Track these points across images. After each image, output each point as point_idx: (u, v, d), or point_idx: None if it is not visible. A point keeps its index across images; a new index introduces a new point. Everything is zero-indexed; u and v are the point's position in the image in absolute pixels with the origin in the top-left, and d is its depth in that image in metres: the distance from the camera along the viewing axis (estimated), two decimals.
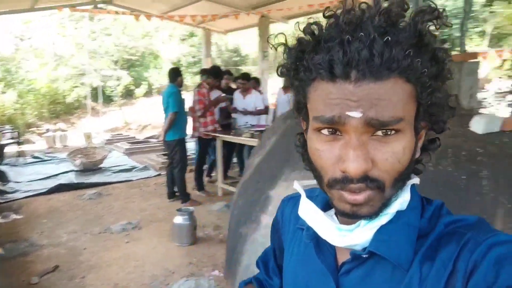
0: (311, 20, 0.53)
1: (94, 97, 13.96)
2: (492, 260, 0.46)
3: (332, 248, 0.62)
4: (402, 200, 0.54)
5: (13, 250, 3.92)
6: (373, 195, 0.50)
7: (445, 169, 2.29)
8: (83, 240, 4.15)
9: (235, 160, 6.46)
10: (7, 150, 8.54)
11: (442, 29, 0.51)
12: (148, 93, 17.15)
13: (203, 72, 5.52)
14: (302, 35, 0.54)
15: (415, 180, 0.57)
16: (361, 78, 0.47)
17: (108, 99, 16.08)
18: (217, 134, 5.28)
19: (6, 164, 7.97)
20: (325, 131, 0.51)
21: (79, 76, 15.60)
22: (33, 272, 3.46)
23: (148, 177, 6.69)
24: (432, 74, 0.49)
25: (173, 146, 4.93)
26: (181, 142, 5.01)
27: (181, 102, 5.01)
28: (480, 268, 0.46)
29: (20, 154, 8.54)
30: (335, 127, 0.50)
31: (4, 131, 9.12)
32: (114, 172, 7.06)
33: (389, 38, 0.46)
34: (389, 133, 0.49)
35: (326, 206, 0.63)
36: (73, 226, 4.54)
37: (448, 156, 2.37)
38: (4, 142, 8.51)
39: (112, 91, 15.70)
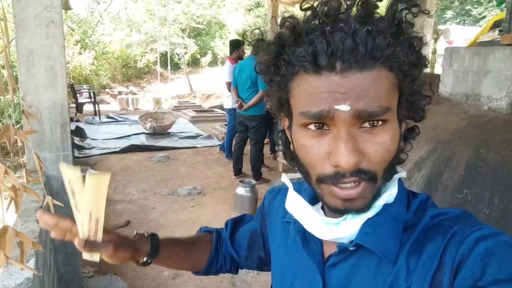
0: (287, 15, 0.52)
1: (163, 64, 14.45)
2: (479, 254, 0.46)
3: (319, 241, 0.62)
4: (390, 194, 0.54)
5: None
6: (366, 187, 0.50)
7: (507, 160, 2.18)
8: (152, 199, 4.41)
9: None
10: (85, 108, 9.21)
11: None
12: (213, 63, 17.41)
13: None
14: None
15: (402, 174, 0.57)
16: (347, 69, 0.46)
17: (175, 66, 16.59)
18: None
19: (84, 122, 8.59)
20: (312, 126, 0.50)
21: (150, 42, 16.19)
22: (107, 225, 3.73)
23: (212, 146, 6.84)
24: (412, 62, 0.50)
25: (258, 121, 4.81)
26: (265, 118, 4.92)
27: None
28: (467, 262, 0.46)
29: (96, 113, 9.13)
30: (323, 121, 0.49)
31: (82, 90, 9.79)
32: (181, 138, 7.32)
33: (370, 28, 0.46)
34: (376, 124, 0.48)
35: (313, 199, 0.63)
36: (143, 186, 4.83)
37: None
38: (82, 100, 9.17)
39: (180, 58, 16.13)
